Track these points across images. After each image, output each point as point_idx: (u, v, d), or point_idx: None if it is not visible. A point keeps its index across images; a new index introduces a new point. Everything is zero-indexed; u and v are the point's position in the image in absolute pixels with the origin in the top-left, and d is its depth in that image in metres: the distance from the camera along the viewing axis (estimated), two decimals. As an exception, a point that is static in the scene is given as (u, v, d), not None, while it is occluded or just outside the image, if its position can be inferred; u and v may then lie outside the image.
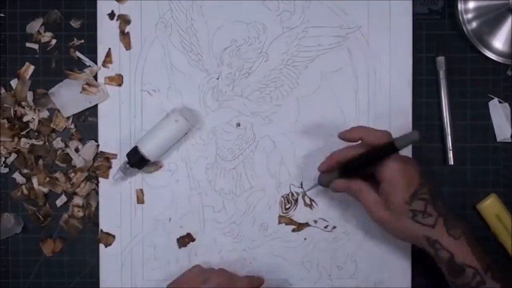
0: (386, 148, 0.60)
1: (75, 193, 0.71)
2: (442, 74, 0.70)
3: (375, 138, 0.62)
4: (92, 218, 0.71)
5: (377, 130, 0.64)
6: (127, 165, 0.69)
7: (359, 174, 0.64)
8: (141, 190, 0.70)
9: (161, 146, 0.69)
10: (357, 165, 0.63)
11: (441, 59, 0.70)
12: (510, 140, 0.71)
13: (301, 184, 0.71)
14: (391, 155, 0.61)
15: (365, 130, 0.64)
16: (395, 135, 0.61)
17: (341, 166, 0.64)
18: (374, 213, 0.62)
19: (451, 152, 0.70)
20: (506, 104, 0.71)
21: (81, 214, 0.71)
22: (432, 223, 0.60)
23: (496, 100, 0.71)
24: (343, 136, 0.65)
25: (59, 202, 0.71)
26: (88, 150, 0.70)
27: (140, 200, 0.70)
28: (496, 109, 0.71)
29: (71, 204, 0.71)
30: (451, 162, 0.71)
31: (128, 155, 0.69)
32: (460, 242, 0.60)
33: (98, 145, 0.70)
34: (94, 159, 0.70)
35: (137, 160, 0.68)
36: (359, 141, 0.64)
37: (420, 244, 0.62)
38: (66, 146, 0.70)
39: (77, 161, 0.70)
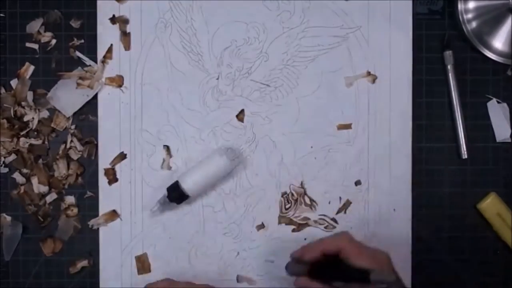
0: (359, 276, 0.58)
1: (74, 194, 0.71)
2: (450, 68, 0.70)
3: (335, 245, 0.59)
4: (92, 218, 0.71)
5: (331, 238, 0.61)
6: (166, 199, 0.68)
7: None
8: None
9: (203, 183, 0.68)
10: (326, 275, 0.60)
11: (449, 53, 0.70)
12: (509, 140, 0.71)
13: (301, 184, 0.71)
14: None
15: (321, 246, 0.60)
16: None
17: (310, 269, 0.61)
18: None
19: (464, 145, 0.70)
20: (505, 104, 0.71)
21: (81, 214, 0.71)
22: None
23: (494, 100, 0.71)
24: (299, 257, 0.62)
25: (54, 201, 0.70)
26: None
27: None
28: (495, 109, 0.71)
29: (71, 204, 0.71)
30: (465, 155, 0.70)
31: (168, 189, 0.68)
32: None
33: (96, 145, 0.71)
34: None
35: (177, 195, 0.68)
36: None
37: None
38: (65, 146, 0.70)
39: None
